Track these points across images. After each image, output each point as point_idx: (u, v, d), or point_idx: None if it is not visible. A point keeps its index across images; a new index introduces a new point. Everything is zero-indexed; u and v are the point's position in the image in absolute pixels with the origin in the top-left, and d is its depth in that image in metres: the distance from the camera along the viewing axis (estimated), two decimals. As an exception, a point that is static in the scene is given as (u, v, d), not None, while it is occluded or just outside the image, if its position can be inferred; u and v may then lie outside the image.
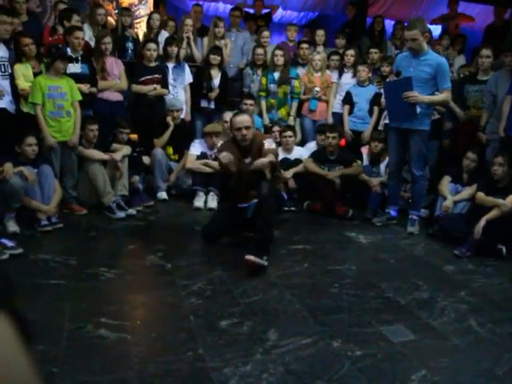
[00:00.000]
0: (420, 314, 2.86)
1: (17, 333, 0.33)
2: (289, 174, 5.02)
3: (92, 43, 5.24)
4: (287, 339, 2.44)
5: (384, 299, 3.04)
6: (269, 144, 3.73)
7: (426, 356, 2.40)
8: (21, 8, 5.18)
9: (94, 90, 4.81)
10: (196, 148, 5.09)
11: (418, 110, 4.20)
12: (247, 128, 3.64)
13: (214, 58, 5.51)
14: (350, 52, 5.81)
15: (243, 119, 3.68)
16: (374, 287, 3.21)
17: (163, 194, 5.00)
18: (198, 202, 4.84)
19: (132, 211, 4.46)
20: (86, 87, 4.66)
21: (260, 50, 5.72)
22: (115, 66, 5.07)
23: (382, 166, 5.13)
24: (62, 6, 5.48)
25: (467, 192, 4.44)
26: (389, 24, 8.13)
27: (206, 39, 6.01)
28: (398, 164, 4.59)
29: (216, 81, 5.53)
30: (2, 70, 4.28)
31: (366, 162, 5.28)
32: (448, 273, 3.61)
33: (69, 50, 4.67)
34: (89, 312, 2.60)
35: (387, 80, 4.94)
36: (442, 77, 4.17)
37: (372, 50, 6.09)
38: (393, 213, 4.70)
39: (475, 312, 2.92)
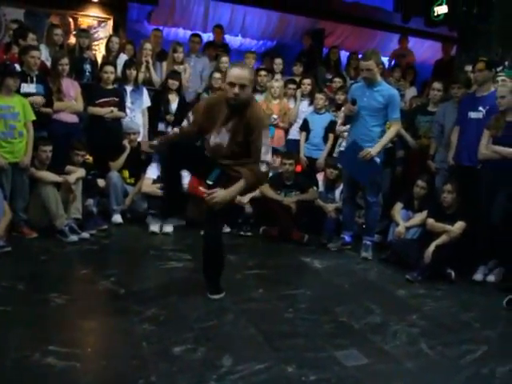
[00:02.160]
0: (373, 338, 2.90)
1: None
2: (245, 198, 5.04)
3: (48, 63, 5.17)
4: (242, 365, 2.42)
5: (338, 323, 3.07)
6: (264, 150, 3.02)
7: (379, 380, 2.44)
8: (-26, 26, 5.08)
9: (49, 110, 4.72)
10: (153, 172, 5.05)
11: (378, 160, 4.38)
12: (242, 87, 2.97)
13: (173, 83, 5.53)
14: (307, 81, 5.96)
15: (241, 74, 2.98)
16: (329, 312, 3.24)
17: (118, 218, 4.91)
18: (154, 226, 4.77)
19: (85, 235, 4.36)
20: (39, 99, 4.55)
21: (217, 75, 5.78)
22: (71, 88, 5.00)
23: (337, 192, 5.23)
24: (14, 26, 5.39)
25: (418, 218, 4.58)
26: (344, 55, 8.42)
27: (165, 64, 6.04)
28: (352, 190, 4.70)
29: (174, 105, 5.54)
30: (-49, 88, 4.14)
31: (321, 187, 5.37)
32: (400, 297, 3.69)
33: (17, 66, 4.58)
34: (37, 340, 2.50)
35: (338, 148, 5.30)
36: (392, 107, 4.35)
37: (336, 80, 6.31)
38: (347, 238, 4.78)
39: (426, 335, 2.99)
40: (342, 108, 5.40)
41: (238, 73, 2.99)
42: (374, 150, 4.31)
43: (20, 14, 6.76)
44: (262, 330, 2.85)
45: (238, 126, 3.06)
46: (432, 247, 4.09)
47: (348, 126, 4.86)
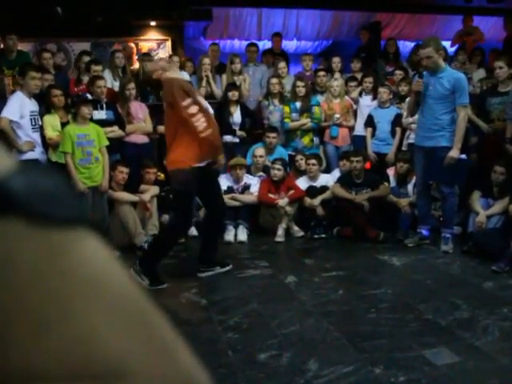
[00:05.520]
0: (462, 334, 2.79)
1: (108, 250, 0.29)
2: (316, 201, 5.02)
3: (113, 87, 5.45)
4: (328, 368, 2.41)
5: (424, 321, 2.97)
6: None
7: (474, 378, 2.34)
8: (48, 64, 5.47)
9: (121, 133, 4.98)
10: (222, 183, 5.14)
11: (463, 156, 4.35)
12: None
13: (233, 94, 5.62)
14: (369, 79, 5.86)
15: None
16: (413, 310, 3.15)
17: (193, 231, 5.04)
18: (228, 235, 4.86)
19: (164, 249, 4.52)
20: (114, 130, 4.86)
21: (274, 80, 5.82)
22: (140, 110, 5.23)
23: (410, 186, 5.09)
24: (86, 58, 5.74)
25: (499, 205, 4.36)
26: (403, 45, 8.18)
27: (224, 76, 6.16)
28: (426, 183, 4.55)
29: (236, 116, 5.62)
30: (33, 123, 4.46)
31: (392, 183, 5.24)
32: (488, 290, 3.52)
33: (88, 95, 4.87)
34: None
35: (407, 141, 5.24)
36: (459, 92, 4.17)
37: (397, 72, 6.17)
38: (425, 232, 4.63)
39: (520, 329, 2.83)
40: (407, 100, 5.26)
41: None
42: (454, 152, 4.17)
43: (86, 46, 7.18)
44: (346, 332, 2.82)
45: None
46: (518, 235, 3.87)
47: (415, 117, 4.72)
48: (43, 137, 4.59)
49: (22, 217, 0.25)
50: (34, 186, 0.26)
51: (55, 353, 0.24)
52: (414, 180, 4.95)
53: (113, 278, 0.28)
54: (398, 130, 5.51)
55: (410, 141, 5.17)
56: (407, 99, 5.16)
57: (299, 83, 5.72)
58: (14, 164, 0.27)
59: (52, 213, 0.26)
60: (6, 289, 0.24)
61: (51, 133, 4.62)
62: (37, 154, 4.50)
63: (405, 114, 5.26)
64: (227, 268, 3.93)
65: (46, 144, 4.64)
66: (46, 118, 4.66)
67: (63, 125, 4.64)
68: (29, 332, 0.24)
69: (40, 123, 4.57)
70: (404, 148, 5.41)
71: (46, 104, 4.72)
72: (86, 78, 5.37)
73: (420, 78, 4.29)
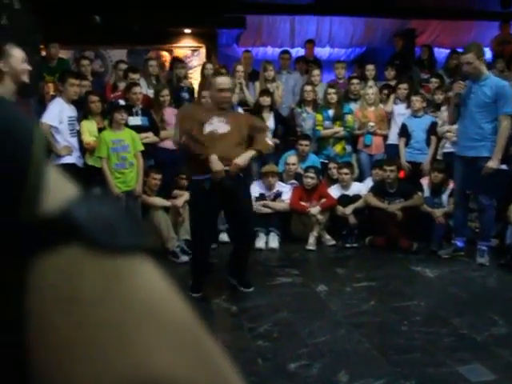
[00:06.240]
0: (499, 351, 2.71)
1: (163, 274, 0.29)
2: (348, 210, 4.98)
3: (147, 94, 5.54)
4: (358, 381, 2.38)
5: (458, 336, 2.91)
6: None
7: (510, 397, 2.27)
8: (86, 70, 5.63)
9: (156, 139, 5.05)
10: (254, 190, 5.16)
11: (503, 166, 4.30)
12: (228, 90, 3.48)
13: (264, 99, 5.64)
14: (403, 86, 5.78)
15: (225, 80, 3.55)
16: (447, 324, 3.08)
17: (224, 237, 5.07)
18: (259, 242, 4.87)
19: (195, 255, 4.55)
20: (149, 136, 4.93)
21: (309, 87, 5.81)
22: (174, 116, 5.29)
23: (445, 197, 4.99)
24: (122, 66, 5.86)
25: (539, 218, 4.23)
26: (438, 52, 8.06)
27: (257, 83, 6.19)
28: (464, 193, 4.45)
29: (269, 122, 5.63)
30: (71, 128, 4.58)
31: (426, 193, 5.15)
32: (526, 305, 3.42)
33: (121, 101, 4.96)
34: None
35: (441, 150, 5.14)
36: (503, 100, 4.05)
37: (433, 80, 6.08)
38: (460, 244, 4.53)
39: (561, 347, 2.73)
40: (442, 108, 5.18)
41: (223, 80, 3.54)
42: (493, 162, 4.07)
43: (123, 53, 7.34)
44: (377, 345, 2.78)
45: (237, 119, 3.59)
46: (559, 249, 3.75)
47: (452, 127, 4.63)
48: (80, 142, 4.71)
49: (83, 245, 0.26)
50: (96, 215, 0.27)
51: (112, 378, 0.25)
52: (448, 190, 4.86)
53: (168, 304, 0.29)
54: (433, 138, 5.41)
55: (445, 150, 5.09)
56: (442, 108, 5.07)
57: (330, 90, 5.70)
58: (76, 192, 0.28)
59: (111, 241, 0.27)
60: (70, 315, 0.25)
61: (88, 138, 4.73)
62: (74, 158, 4.62)
63: (440, 122, 5.17)
64: (249, 289, 3.71)
65: (83, 149, 4.75)
66: (84, 123, 4.78)
67: (100, 130, 4.75)
68: (86, 358, 0.25)
69: (78, 128, 4.69)
70: (439, 157, 5.32)
71: (84, 110, 4.84)
72: (122, 85, 5.48)
73: (462, 81, 4.20)
